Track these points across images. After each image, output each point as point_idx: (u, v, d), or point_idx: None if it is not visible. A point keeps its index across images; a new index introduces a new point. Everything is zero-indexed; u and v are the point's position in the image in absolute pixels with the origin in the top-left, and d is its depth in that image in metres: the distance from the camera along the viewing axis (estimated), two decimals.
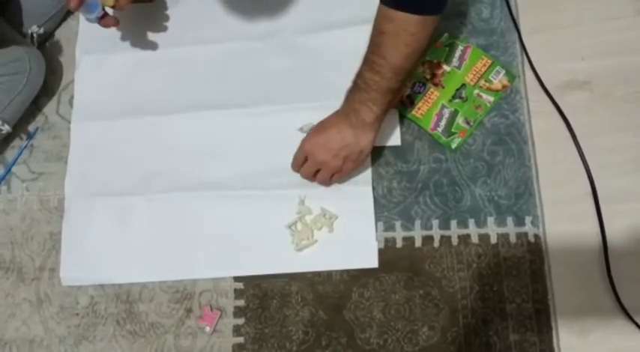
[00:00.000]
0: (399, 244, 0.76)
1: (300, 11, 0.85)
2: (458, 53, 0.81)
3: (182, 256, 0.79)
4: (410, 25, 0.63)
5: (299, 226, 0.77)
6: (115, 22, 0.78)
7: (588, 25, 0.82)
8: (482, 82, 0.79)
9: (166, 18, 0.88)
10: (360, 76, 0.69)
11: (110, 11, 0.78)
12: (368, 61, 0.67)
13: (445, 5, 0.64)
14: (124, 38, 0.88)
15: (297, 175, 0.78)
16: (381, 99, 0.68)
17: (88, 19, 0.77)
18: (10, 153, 0.87)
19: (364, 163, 0.76)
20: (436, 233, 0.76)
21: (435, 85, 0.80)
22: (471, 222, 0.75)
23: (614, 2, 0.82)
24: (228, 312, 0.76)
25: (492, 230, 0.75)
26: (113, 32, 0.87)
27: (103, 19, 0.77)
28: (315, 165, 0.74)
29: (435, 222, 0.76)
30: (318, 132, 0.73)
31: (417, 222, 0.76)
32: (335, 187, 0.78)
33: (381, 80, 0.67)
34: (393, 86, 0.68)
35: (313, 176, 0.76)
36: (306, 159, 0.75)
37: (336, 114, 0.73)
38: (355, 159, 0.73)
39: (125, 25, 0.85)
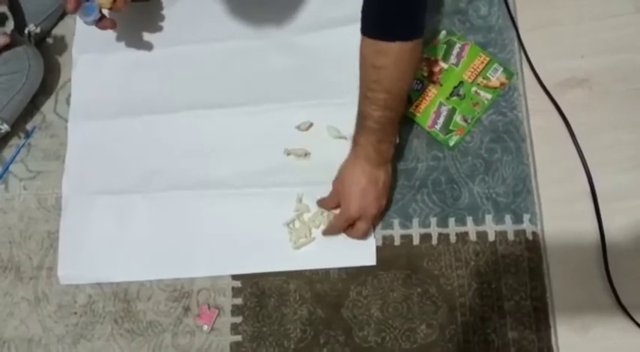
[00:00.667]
0: (397, 242, 0.76)
1: (299, 9, 0.85)
2: (456, 50, 0.80)
3: (180, 254, 0.79)
4: (406, 53, 0.64)
5: (297, 224, 0.77)
6: (112, 25, 0.78)
7: (587, 22, 0.81)
8: (480, 80, 0.79)
9: (163, 17, 0.88)
10: (368, 117, 0.67)
11: (107, 12, 0.78)
12: (371, 100, 0.66)
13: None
14: (120, 37, 0.88)
15: (297, 173, 0.78)
16: (395, 129, 0.69)
17: (86, 22, 0.77)
18: (7, 152, 0.87)
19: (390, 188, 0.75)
20: (434, 231, 0.75)
21: (433, 82, 0.80)
22: (469, 219, 0.75)
23: None
24: (226, 311, 0.76)
25: (490, 227, 0.75)
26: (110, 31, 0.85)
27: (100, 22, 0.77)
28: (371, 220, 0.72)
29: (433, 220, 0.76)
30: (354, 193, 0.70)
31: (415, 220, 0.76)
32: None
33: (391, 113, 0.67)
34: (402, 112, 0.70)
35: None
36: (351, 222, 0.72)
37: (355, 164, 0.70)
38: (388, 188, 0.73)
39: (122, 24, 0.85)
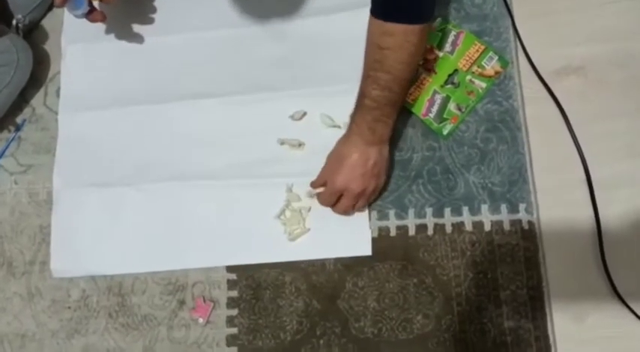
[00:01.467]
0: (393, 233, 0.75)
1: None
2: (451, 38, 0.80)
3: (174, 246, 0.78)
4: (412, 36, 0.63)
5: (287, 214, 0.76)
6: (103, 18, 0.77)
7: (583, 9, 0.81)
8: (474, 68, 0.78)
9: (154, 5, 0.87)
10: (366, 95, 0.67)
11: (97, 4, 0.76)
12: (372, 79, 0.66)
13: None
14: (111, 26, 0.86)
15: (291, 163, 0.77)
16: (393, 111, 0.69)
17: (75, 16, 0.75)
18: None
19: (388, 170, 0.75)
20: (430, 221, 0.75)
21: (427, 70, 0.79)
22: (465, 209, 0.75)
23: None
24: (222, 303, 0.76)
25: (486, 217, 0.74)
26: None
27: (90, 15, 0.76)
28: (356, 197, 0.71)
29: (429, 210, 0.75)
30: (342, 166, 0.70)
31: (411, 211, 0.76)
32: None
33: (390, 94, 0.67)
34: (403, 95, 0.69)
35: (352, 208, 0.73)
36: (339, 196, 0.72)
37: (349, 139, 0.70)
38: (385, 171, 0.73)
39: (112, 13, 0.84)
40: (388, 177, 0.76)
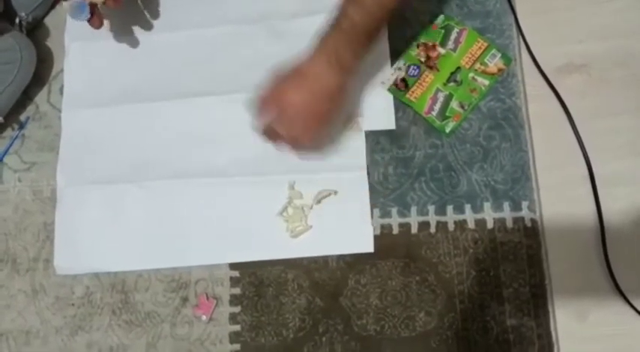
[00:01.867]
0: (395, 230, 0.75)
1: None
2: (453, 36, 0.80)
3: (176, 243, 0.78)
4: None
5: (290, 211, 0.77)
6: (99, 24, 0.77)
7: (585, 7, 0.80)
8: (477, 65, 0.78)
9: (156, 3, 0.87)
10: (347, 16, 0.63)
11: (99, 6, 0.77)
12: (356, 1, 0.62)
13: None
14: (113, 24, 0.86)
15: (291, 161, 0.77)
16: (368, 42, 0.65)
17: (78, 20, 0.76)
18: (0, 144, 0.86)
19: (342, 108, 0.71)
20: (432, 219, 0.75)
21: (430, 67, 0.79)
22: (467, 207, 0.75)
23: None
24: (225, 301, 0.76)
25: (489, 215, 0.74)
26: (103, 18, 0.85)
27: (91, 20, 0.77)
28: (301, 116, 0.66)
29: (431, 208, 0.75)
30: (295, 78, 0.66)
31: (413, 208, 0.76)
32: (328, 172, 0.77)
33: (371, 21, 0.63)
34: (381, 27, 0.65)
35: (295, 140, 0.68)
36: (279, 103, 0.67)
37: (312, 57, 0.66)
38: (342, 101, 0.68)
39: (114, 12, 0.84)
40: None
